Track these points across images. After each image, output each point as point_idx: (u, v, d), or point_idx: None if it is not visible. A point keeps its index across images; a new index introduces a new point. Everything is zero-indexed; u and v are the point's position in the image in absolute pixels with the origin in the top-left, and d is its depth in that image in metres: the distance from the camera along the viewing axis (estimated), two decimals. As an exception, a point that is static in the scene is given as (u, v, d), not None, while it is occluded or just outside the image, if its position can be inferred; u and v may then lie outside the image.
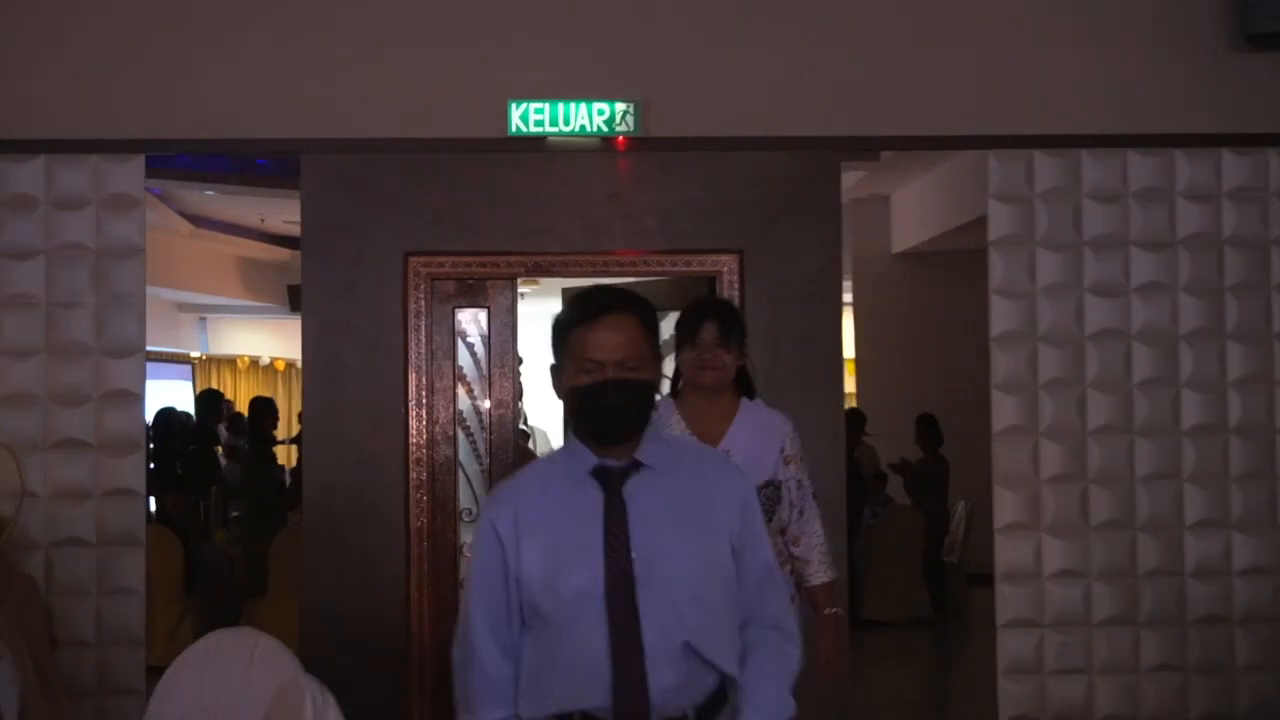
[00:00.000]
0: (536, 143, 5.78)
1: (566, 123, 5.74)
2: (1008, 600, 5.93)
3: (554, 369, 2.82)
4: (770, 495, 4.25)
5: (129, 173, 5.79)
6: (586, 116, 5.74)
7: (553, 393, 2.84)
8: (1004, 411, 5.94)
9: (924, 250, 11.83)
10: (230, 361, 16.80)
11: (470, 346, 5.98)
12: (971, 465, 8.49)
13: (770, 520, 4.19)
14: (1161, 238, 5.93)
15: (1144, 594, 5.89)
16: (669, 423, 4.22)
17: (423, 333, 5.83)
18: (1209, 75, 5.89)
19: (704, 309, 4.34)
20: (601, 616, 2.64)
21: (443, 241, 5.85)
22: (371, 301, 5.83)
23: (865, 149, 6.20)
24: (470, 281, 5.94)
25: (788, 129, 5.85)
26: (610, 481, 2.74)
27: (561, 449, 2.89)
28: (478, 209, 5.87)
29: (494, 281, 5.99)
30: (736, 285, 5.88)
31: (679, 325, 4.32)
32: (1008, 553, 5.94)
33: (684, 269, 5.95)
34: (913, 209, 11.89)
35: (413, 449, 5.80)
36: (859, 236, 12.17)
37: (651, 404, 2.81)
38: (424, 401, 5.80)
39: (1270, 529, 5.92)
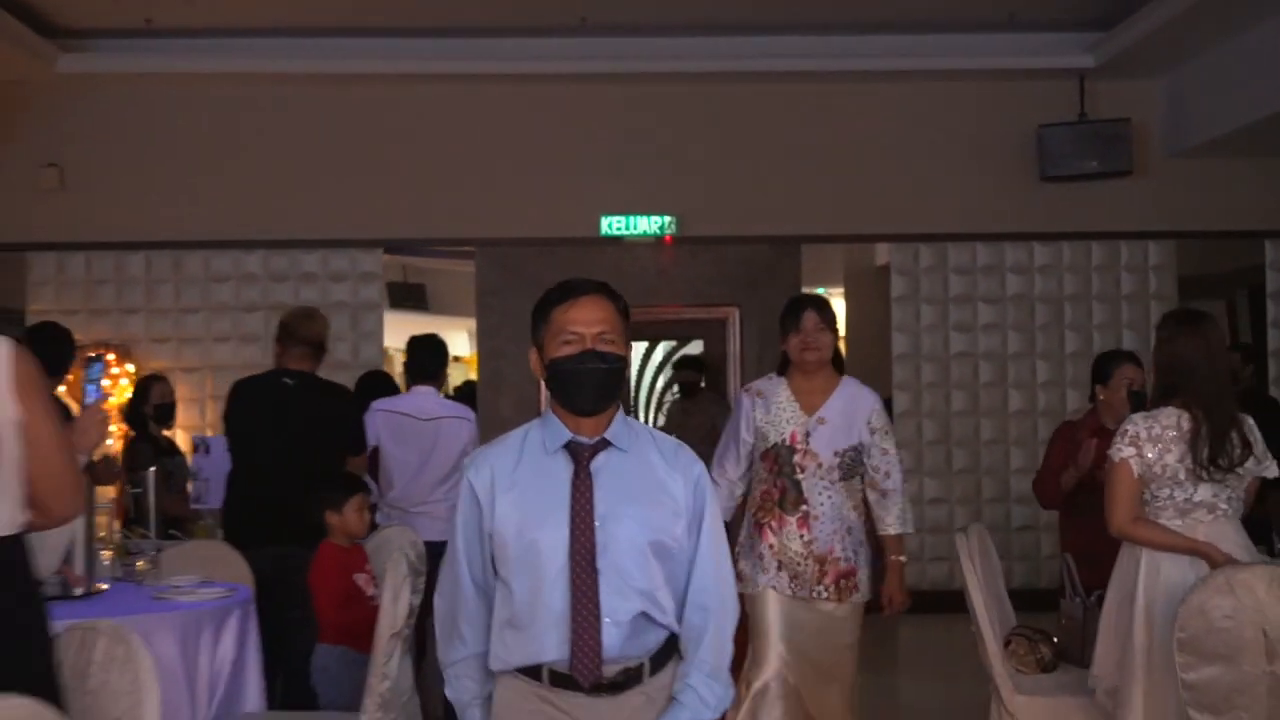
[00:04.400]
0: (617, 240, 10.23)
1: (635, 228, 10.20)
2: (902, 516, 10.40)
3: (534, 349, 3.20)
4: (853, 456, 5.16)
5: (372, 258, 10.35)
6: (647, 224, 10.19)
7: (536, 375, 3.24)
8: (900, 401, 10.43)
9: (899, 265, 16.07)
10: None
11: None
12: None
13: (853, 479, 5.17)
14: (996, 296, 10.39)
15: (985, 513, 10.35)
16: (779, 396, 5.20)
17: (548, 354, 10.31)
18: (1024, 198, 10.24)
19: (805, 301, 5.29)
20: (564, 576, 3.00)
21: (559, 299, 10.33)
22: (518, 337, 10.24)
23: (813, 242, 10.64)
24: (576, 323, 10.39)
25: (765, 230, 10.29)
26: (580, 455, 3.09)
27: (537, 422, 3.21)
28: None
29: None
30: (737, 326, 10.36)
31: (784, 317, 5.27)
32: (902, 487, 10.42)
33: (704, 316, 10.45)
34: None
35: (543, 424, 10.30)
36: (850, 250, 16.32)
37: (623, 378, 3.17)
38: (550, 396, 10.29)
39: (1062, 473, 10.37)
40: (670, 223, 10.22)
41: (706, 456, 3.88)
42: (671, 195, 10.25)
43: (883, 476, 5.18)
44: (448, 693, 3.19)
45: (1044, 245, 10.41)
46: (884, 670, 8.73)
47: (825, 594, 5.06)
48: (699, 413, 10.11)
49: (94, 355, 9.67)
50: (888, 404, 10.46)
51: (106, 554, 4.97)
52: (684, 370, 10.58)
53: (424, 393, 6.77)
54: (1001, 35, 9.74)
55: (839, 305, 17.06)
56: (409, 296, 18.80)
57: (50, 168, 9.97)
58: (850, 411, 5.17)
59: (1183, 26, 8.92)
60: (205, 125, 10.10)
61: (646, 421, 10.97)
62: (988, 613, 5.06)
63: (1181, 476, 4.34)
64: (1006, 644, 5.20)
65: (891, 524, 5.19)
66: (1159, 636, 4.21)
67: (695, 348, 10.94)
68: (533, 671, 3.05)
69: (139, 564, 4.92)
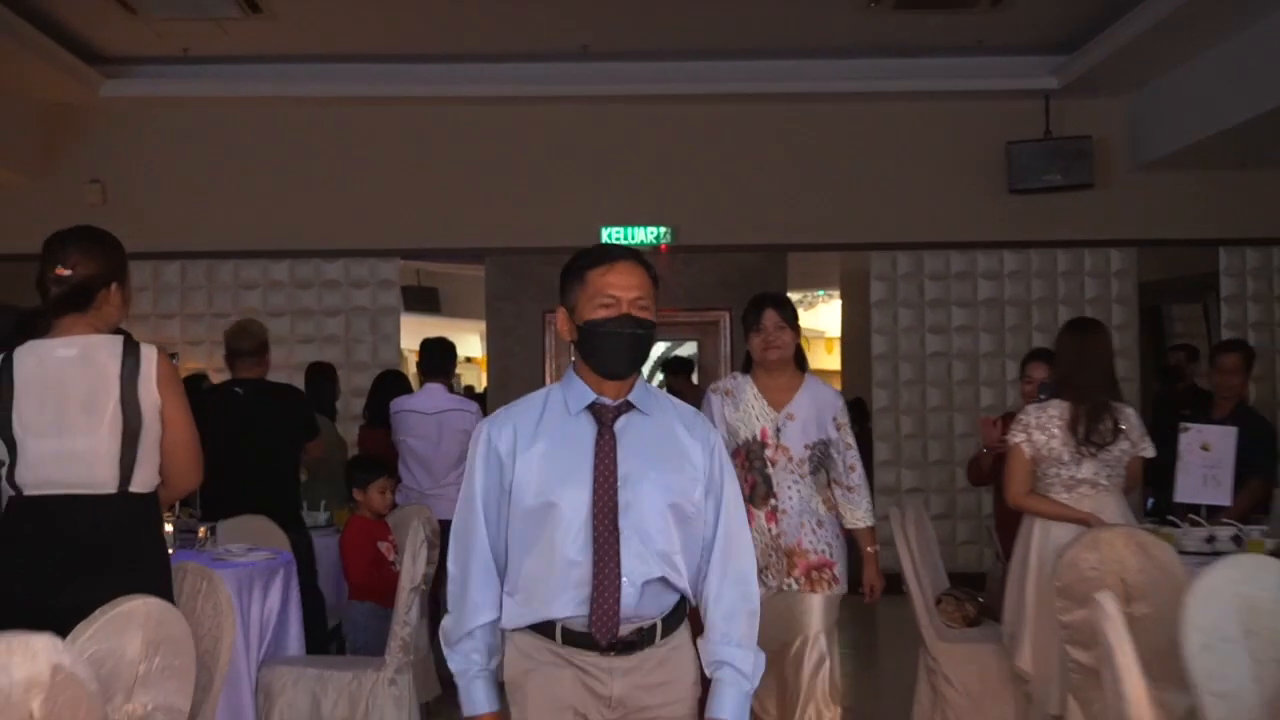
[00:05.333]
0: (616, 249, 11.17)
1: (633, 237, 11.14)
2: (881, 505, 11.34)
3: (564, 309, 3.20)
4: (821, 451, 5.31)
5: (389, 267, 11.31)
6: (645, 234, 11.13)
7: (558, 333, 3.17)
8: (880, 398, 11.36)
9: (893, 268, 16.99)
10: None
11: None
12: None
13: (818, 473, 5.31)
14: (968, 300, 11.32)
15: (958, 502, 11.28)
16: (746, 394, 5.32)
17: (553, 353, 11.26)
18: (994, 209, 11.16)
19: (765, 300, 5.36)
20: (587, 534, 3.06)
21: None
22: (526, 336, 11.29)
23: (798, 250, 11.58)
24: (579, 326, 11.35)
25: (754, 239, 11.23)
26: (604, 417, 3.14)
27: (558, 384, 3.25)
28: (583, 285, 11.33)
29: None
30: (729, 328, 11.30)
31: (745, 317, 5.37)
32: (883, 478, 11.35)
33: (698, 319, 11.39)
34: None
35: (548, 419, 11.28)
36: (846, 254, 17.24)
37: (652, 343, 3.19)
38: (555, 393, 11.24)
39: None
40: (666, 233, 11.16)
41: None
42: (667, 207, 11.21)
43: (847, 472, 5.35)
44: (451, 665, 3.19)
45: (1013, 253, 11.34)
46: (865, 648, 9.61)
47: (795, 586, 5.17)
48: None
49: (172, 354, 10.65)
50: (862, 401, 11.51)
51: (169, 527, 5.92)
52: (669, 373, 11.53)
53: (433, 389, 7.74)
54: (972, 59, 10.65)
55: (836, 306, 18.12)
56: (422, 299, 19.69)
57: (93, 184, 10.96)
58: (817, 407, 5.31)
59: (1140, 50, 9.80)
60: (236, 145, 11.08)
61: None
62: (917, 576, 6.00)
63: (1066, 457, 5.28)
64: (938, 603, 6.15)
65: (862, 518, 5.36)
66: (1044, 587, 5.15)
67: (690, 348, 11.91)
68: (545, 629, 3.12)
69: (200, 531, 5.88)
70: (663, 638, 3.15)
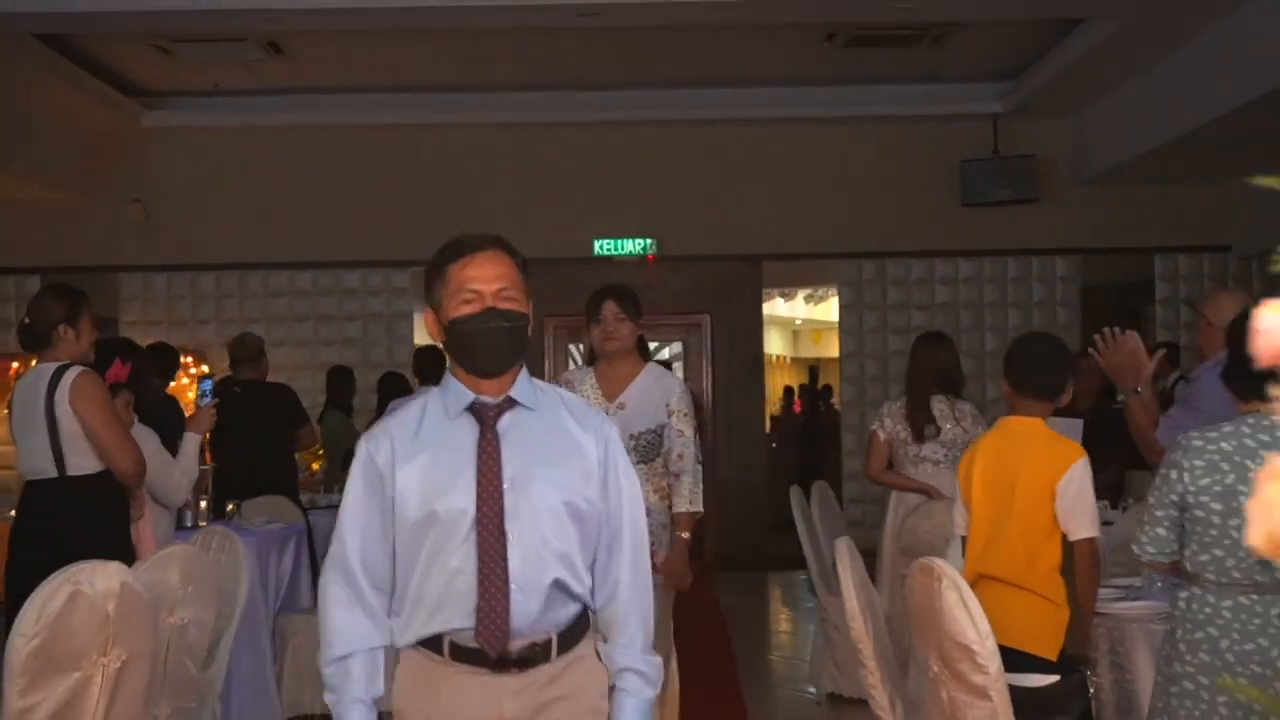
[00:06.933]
0: (607, 259, 12.59)
1: (623, 249, 12.56)
2: (849, 489, 12.75)
3: (430, 309, 3.08)
4: (651, 439, 5.37)
5: (402, 275, 12.76)
6: (633, 246, 12.55)
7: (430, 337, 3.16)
8: (847, 393, 12.76)
9: (888, 268, 18.36)
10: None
11: (576, 361, 12.85)
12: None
13: (651, 462, 5.35)
14: (927, 303, 12.70)
15: (918, 486, 12.63)
16: (585, 385, 5.39)
17: (553, 353, 12.68)
18: (949, 221, 12.50)
19: (604, 292, 5.45)
20: (472, 542, 2.92)
21: (561, 310, 12.72)
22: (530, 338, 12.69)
23: (772, 259, 12.98)
24: (575, 329, 12.77)
25: (732, 250, 12.62)
26: (485, 417, 2.99)
27: (436, 390, 3.11)
28: (577, 292, 12.65)
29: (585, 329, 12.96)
30: (709, 331, 12.71)
31: (587, 309, 5.42)
32: (850, 465, 12.74)
33: (682, 322, 12.80)
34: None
35: (545, 413, 12.70)
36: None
37: (526, 337, 3.05)
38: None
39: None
40: (652, 244, 12.61)
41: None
42: (653, 221, 12.62)
43: (675, 458, 5.39)
44: (326, 697, 3.05)
45: (967, 261, 12.73)
46: (793, 607, 10.92)
47: None
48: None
49: (208, 374, 12.02)
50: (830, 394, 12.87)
51: (203, 505, 7.39)
52: None
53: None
54: (924, 87, 12.01)
55: (834, 304, 19.51)
56: (446, 298, 21.04)
57: (136, 203, 12.43)
58: (649, 396, 5.39)
59: (1076, 77, 11.05)
60: (263, 168, 12.54)
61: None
62: (813, 545, 7.40)
63: (910, 441, 6.70)
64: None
65: (681, 502, 5.37)
66: (893, 547, 6.56)
67: (676, 348, 13.32)
68: (434, 644, 3.00)
69: (229, 507, 7.35)
70: (559, 654, 3.01)
